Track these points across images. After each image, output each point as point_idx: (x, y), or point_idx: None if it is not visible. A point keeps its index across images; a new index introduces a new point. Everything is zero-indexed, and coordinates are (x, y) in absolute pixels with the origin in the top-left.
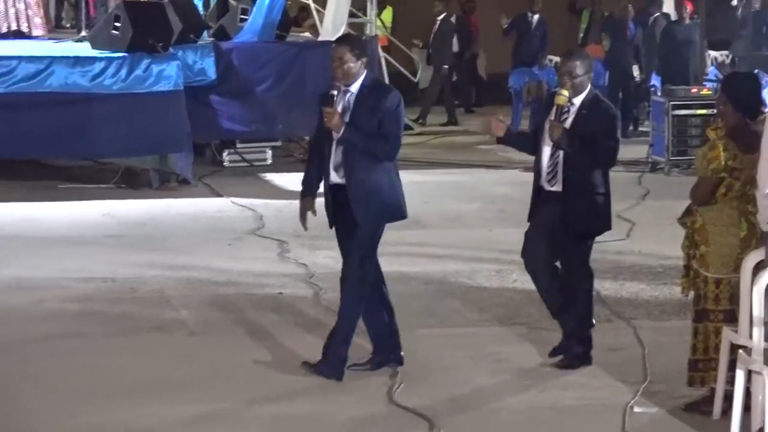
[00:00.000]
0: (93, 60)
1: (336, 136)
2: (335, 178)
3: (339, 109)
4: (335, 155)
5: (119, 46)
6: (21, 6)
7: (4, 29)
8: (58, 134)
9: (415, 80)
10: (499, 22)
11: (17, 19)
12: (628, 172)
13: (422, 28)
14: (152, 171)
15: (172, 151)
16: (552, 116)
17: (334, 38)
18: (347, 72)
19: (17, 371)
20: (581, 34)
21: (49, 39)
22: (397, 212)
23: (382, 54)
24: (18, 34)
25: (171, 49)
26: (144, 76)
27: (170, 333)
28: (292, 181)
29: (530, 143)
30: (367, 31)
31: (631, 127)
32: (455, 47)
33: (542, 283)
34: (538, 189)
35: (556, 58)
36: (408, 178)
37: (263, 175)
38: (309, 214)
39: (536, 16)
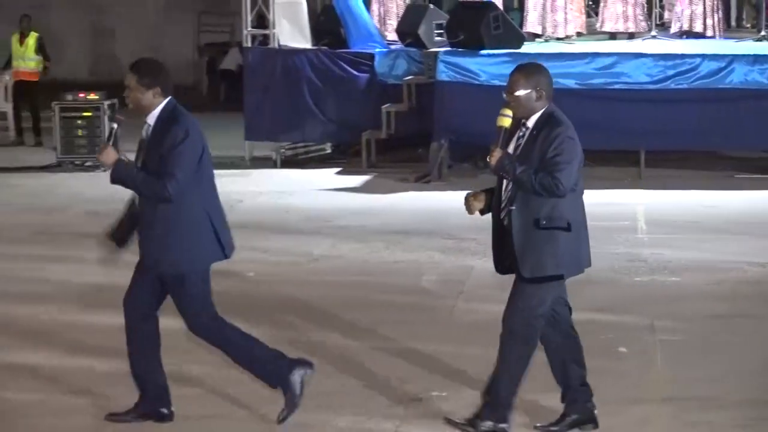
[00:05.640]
0: None
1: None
2: None
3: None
4: None
5: None
6: (698, 9)
7: (677, 29)
8: (738, 128)
9: None
10: None
11: (691, 20)
12: None
13: None
14: None
15: None
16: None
17: None
18: (136, 102)
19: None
20: None
21: (728, 38)
22: (207, 256)
23: None
24: (690, 34)
25: None
26: None
27: None
28: None
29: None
30: None
31: None
32: None
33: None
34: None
35: None
36: None
37: None
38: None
39: None
